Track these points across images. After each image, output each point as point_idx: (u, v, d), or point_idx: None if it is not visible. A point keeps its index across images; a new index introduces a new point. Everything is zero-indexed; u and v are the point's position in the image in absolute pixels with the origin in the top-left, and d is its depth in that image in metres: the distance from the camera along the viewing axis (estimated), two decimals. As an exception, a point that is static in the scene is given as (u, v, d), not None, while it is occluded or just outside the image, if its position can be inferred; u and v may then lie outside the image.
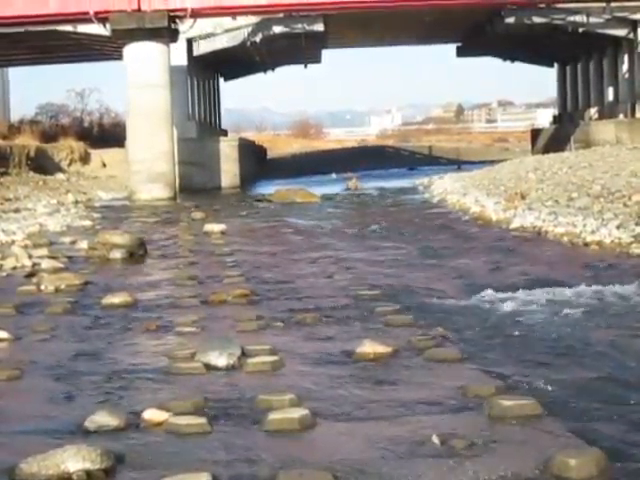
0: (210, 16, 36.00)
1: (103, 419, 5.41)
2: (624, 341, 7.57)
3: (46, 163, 39.65)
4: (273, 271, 12.46)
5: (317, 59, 54.59)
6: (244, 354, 6.99)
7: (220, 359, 6.86)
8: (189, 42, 39.68)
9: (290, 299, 10.00)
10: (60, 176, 38.66)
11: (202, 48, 41.03)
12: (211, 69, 49.83)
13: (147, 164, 32.52)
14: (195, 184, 36.65)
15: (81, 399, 6.12)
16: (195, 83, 43.80)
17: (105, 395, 6.18)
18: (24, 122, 50.52)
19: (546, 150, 44.68)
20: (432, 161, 65.64)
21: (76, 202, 29.75)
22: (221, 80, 57.41)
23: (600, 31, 41.58)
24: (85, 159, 42.97)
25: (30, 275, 12.29)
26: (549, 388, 6.11)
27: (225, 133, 54.42)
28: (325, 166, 53.10)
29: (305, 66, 55.42)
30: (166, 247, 16.03)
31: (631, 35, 41.39)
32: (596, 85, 49.51)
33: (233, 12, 35.92)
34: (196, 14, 33.46)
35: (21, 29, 35.17)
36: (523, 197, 21.09)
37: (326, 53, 53.52)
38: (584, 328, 8.11)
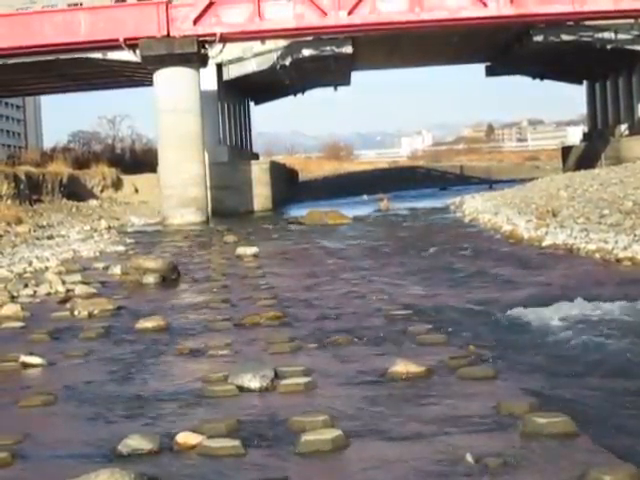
0: (239, 41, 36.22)
1: (137, 443, 5.41)
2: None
3: (79, 190, 40.01)
4: (305, 293, 12.46)
5: (346, 81, 54.78)
6: (277, 376, 6.98)
7: (253, 381, 6.86)
8: (219, 67, 39.98)
9: (322, 320, 10.00)
10: (93, 202, 38.99)
11: (232, 72, 41.31)
12: (241, 93, 50.08)
13: (179, 189, 32.71)
14: (227, 208, 36.83)
15: (114, 423, 6.13)
16: (226, 107, 44.04)
17: (138, 419, 6.19)
18: (57, 149, 51.09)
19: (577, 167, 44.55)
20: (463, 181, 65.71)
21: (109, 228, 29.96)
22: (252, 104, 57.70)
23: (629, 47, 41.49)
24: (117, 185, 43.31)
25: (64, 301, 12.38)
26: (583, 405, 6.07)
27: (256, 156, 54.64)
28: (356, 188, 53.16)
29: (335, 88, 55.62)
30: (199, 271, 16.08)
31: (660, 51, 41.32)
32: (626, 101, 49.36)
33: (262, 36, 36.12)
34: (225, 39, 33.68)
35: (52, 57, 35.58)
36: (554, 215, 21.03)
37: (355, 75, 53.73)
38: (619, 344, 8.06)
